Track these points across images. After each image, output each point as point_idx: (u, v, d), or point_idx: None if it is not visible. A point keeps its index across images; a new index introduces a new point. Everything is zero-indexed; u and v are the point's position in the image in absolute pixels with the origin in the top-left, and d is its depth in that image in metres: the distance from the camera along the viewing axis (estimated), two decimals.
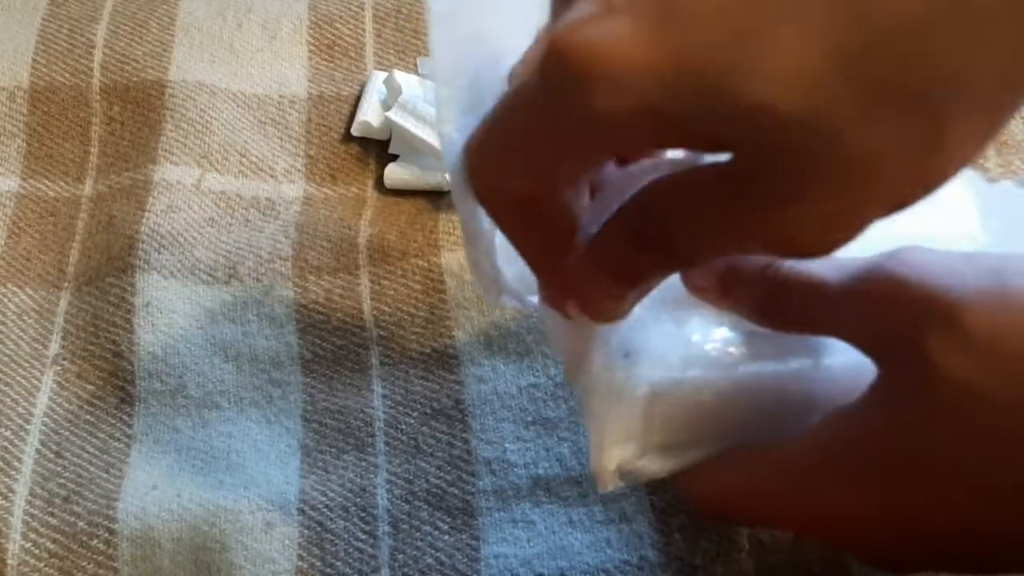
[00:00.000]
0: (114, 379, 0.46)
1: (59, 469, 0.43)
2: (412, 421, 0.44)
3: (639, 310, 0.31)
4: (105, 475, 0.43)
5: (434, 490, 0.42)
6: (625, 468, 0.32)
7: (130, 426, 0.45)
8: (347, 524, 0.41)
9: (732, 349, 0.32)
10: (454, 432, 0.44)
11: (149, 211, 0.50)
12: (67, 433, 0.44)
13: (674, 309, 0.32)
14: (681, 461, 0.33)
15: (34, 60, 0.57)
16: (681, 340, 0.32)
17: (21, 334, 0.48)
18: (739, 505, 0.32)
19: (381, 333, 0.47)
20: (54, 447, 0.44)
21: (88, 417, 0.45)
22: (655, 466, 0.32)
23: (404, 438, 0.44)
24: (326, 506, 0.42)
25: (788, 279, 0.31)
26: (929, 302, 0.28)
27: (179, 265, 0.49)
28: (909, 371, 0.28)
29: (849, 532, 0.31)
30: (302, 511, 0.42)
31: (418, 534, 0.41)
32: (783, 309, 0.31)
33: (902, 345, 0.28)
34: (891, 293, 0.29)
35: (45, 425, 0.45)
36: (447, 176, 0.50)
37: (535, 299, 0.33)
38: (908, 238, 0.30)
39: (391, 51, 0.57)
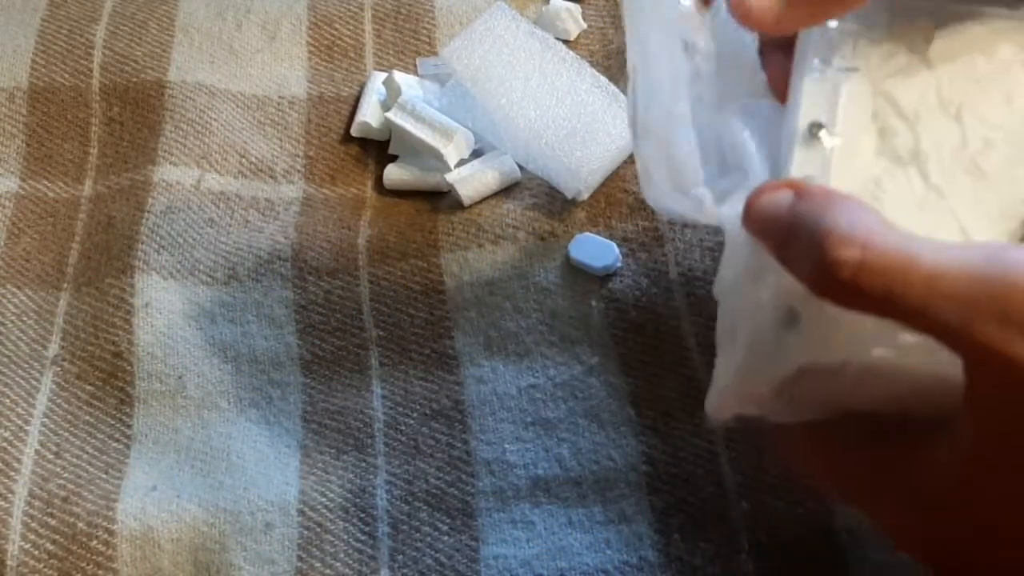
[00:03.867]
0: (113, 380, 0.46)
1: (58, 470, 0.43)
2: (412, 422, 0.44)
3: None
4: (104, 476, 0.43)
5: (433, 491, 0.42)
6: (742, 416, 0.33)
7: (129, 427, 0.45)
8: (347, 525, 0.42)
9: (876, 335, 0.30)
10: (453, 433, 0.44)
11: (148, 212, 0.50)
12: (66, 434, 0.44)
13: None
14: (793, 417, 0.33)
15: (33, 61, 0.57)
16: (843, 322, 0.30)
17: (20, 335, 0.48)
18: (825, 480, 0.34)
19: (381, 334, 0.47)
20: (53, 448, 0.44)
21: (87, 418, 0.45)
22: (770, 415, 0.33)
23: (404, 439, 0.44)
24: (326, 507, 0.42)
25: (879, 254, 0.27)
26: None
27: (179, 266, 0.49)
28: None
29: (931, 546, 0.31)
30: (302, 512, 0.42)
31: (417, 535, 0.41)
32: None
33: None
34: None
35: (44, 426, 0.45)
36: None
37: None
38: None
39: (390, 52, 0.57)
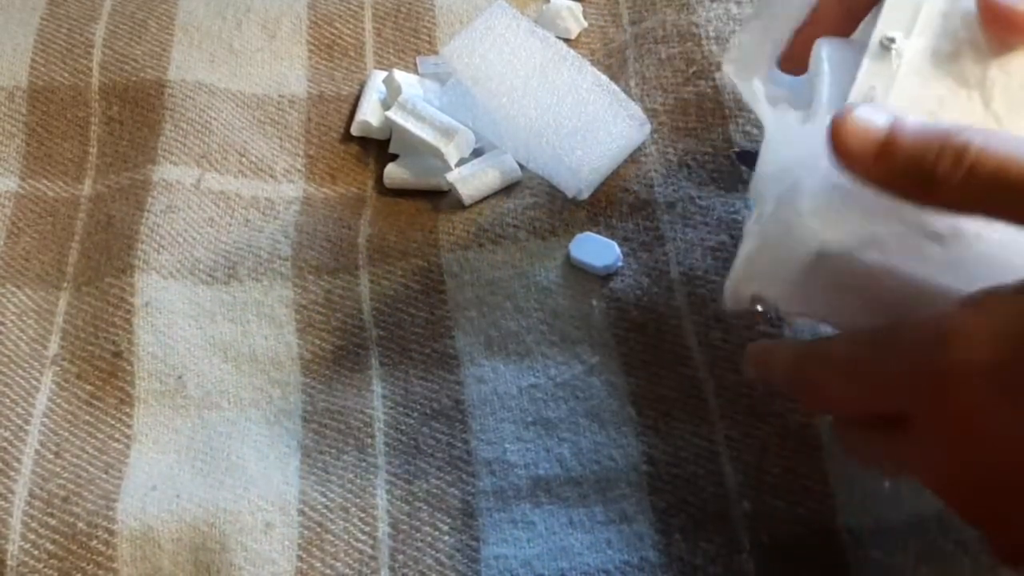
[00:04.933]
0: (113, 379, 0.46)
1: (58, 470, 0.43)
2: (412, 422, 0.44)
3: (835, 178, 0.32)
4: (104, 475, 0.43)
5: (434, 491, 0.42)
6: (759, 299, 0.35)
7: (129, 426, 0.44)
8: (347, 525, 0.41)
9: (901, 238, 0.32)
10: (454, 433, 0.44)
11: (148, 211, 0.50)
12: (66, 434, 0.44)
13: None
14: (807, 314, 0.35)
15: (33, 60, 0.56)
16: (861, 213, 0.32)
17: (20, 334, 0.48)
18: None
19: (381, 333, 0.47)
20: (53, 448, 0.44)
21: (87, 417, 0.45)
22: (783, 307, 0.35)
23: (404, 439, 0.44)
24: (326, 507, 0.42)
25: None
26: None
27: (179, 265, 0.49)
28: None
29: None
30: (302, 512, 0.42)
31: (418, 535, 0.41)
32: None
33: None
34: None
35: (44, 426, 0.44)
36: None
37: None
38: None
39: (391, 51, 0.57)
